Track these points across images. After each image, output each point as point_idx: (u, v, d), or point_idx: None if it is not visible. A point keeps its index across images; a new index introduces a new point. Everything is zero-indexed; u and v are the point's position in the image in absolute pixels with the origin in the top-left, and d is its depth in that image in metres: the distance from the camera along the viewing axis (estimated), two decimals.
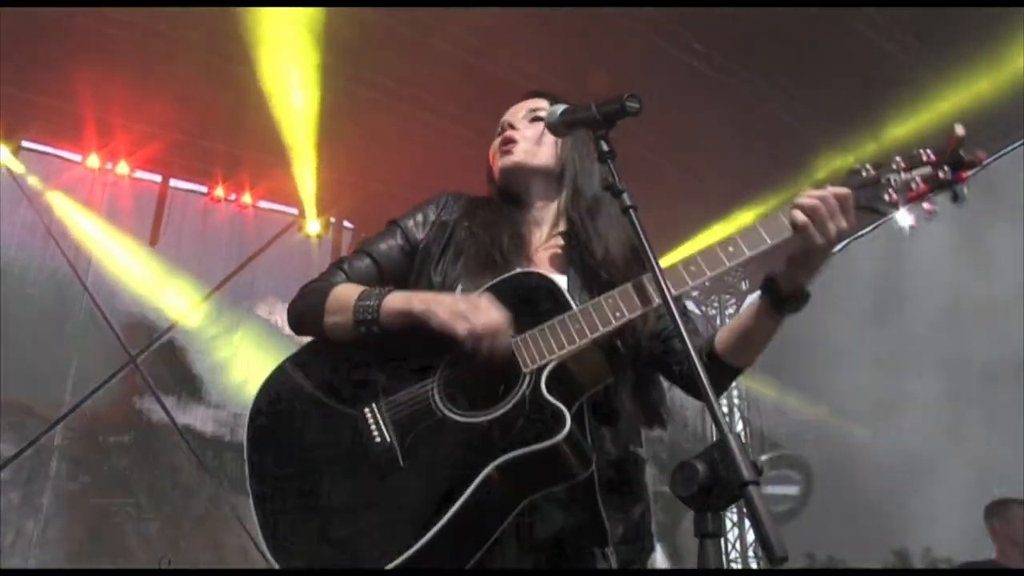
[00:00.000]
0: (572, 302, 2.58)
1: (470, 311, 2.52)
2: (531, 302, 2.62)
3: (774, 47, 8.79)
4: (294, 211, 11.15)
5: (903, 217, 2.43)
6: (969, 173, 2.39)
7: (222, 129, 9.68)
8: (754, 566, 12.28)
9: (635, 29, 8.43)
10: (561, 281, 2.75)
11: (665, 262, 2.34)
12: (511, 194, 3.06)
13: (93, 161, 9.90)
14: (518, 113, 3.11)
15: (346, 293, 2.76)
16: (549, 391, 2.48)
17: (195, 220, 10.63)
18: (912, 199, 2.43)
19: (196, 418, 10.09)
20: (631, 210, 2.33)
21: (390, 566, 2.38)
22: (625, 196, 2.35)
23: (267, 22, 8.21)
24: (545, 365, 2.52)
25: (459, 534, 2.41)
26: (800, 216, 2.43)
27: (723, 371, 2.80)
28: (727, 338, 2.77)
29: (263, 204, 11.04)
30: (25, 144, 9.70)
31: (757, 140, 9.94)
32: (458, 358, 2.61)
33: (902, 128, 9.24)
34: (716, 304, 13.53)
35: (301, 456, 2.70)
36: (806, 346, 9.87)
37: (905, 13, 8.30)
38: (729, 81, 9.22)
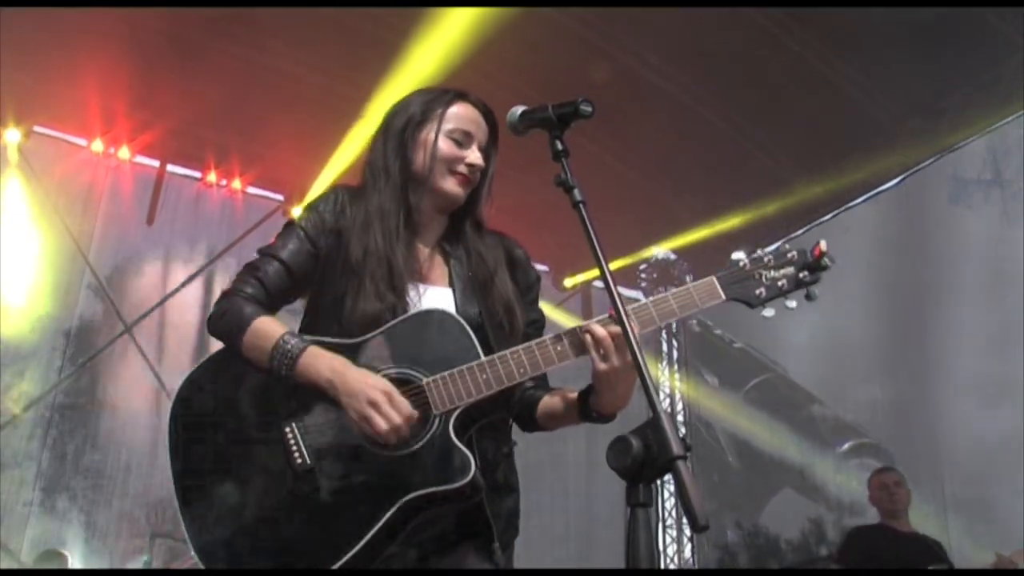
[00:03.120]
0: (480, 351, 2.60)
1: (373, 414, 2.47)
2: (440, 342, 2.62)
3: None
4: (280, 197, 11.10)
5: (767, 310, 2.60)
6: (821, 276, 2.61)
7: (215, 119, 9.64)
8: (686, 534, 12.31)
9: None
10: (447, 294, 2.79)
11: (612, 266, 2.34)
12: (423, 206, 2.93)
13: (97, 146, 9.87)
14: (479, 141, 2.94)
15: (264, 332, 2.64)
16: (456, 432, 2.53)
17: (189, 203, 10.58)
18: (776, 296, 2.59)
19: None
20: (581, 205, 2.34)
21: None
22: (576, 192, 2.35)
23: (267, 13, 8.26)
24: (454, 409, 2.55)
25: (369, 552, 2.47)
26: (588, 339, 2.56)
27: (532, 426, 2.88)
28: (544, 408, 2.82)
29: (251, 190, 10.98)
30: (37, 129, 9.67)
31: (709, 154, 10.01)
32: None
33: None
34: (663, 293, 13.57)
35: (221, 460, 2.63)
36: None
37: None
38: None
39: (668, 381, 12.80)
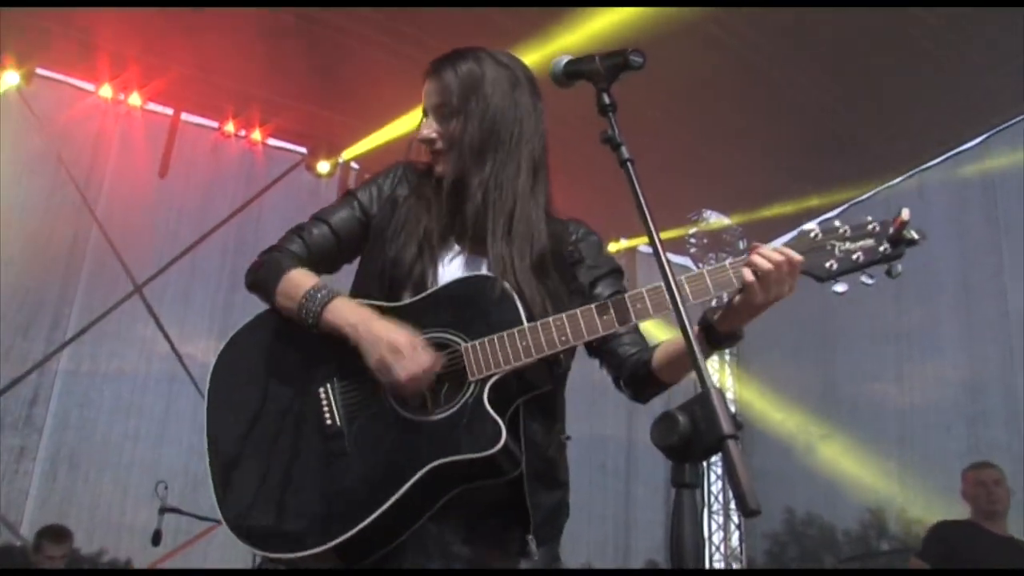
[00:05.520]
0: (523, 317, 2.62)
1: (394, 361, 2.53)
2: (483, 308, 2.66)
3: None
4: (303, 150, 11.15)
5: (838, 285, 2.53)
6: (905, 251, 2.51)
7: (234, 66, 9.57)
8: (734, 520, 12.36)
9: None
10: (484, 265, 2.80)
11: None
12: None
13: (106, 91, 9.87)
14: (428, 114, 2.95)
15: (297, 283, 2.76)
16: (490, 401, 2.56)
17: (205, 155, 10.60)
18: (850, 271, 2.52)
19: (198, 348, 10.18)
20: (628, 163, 2.33)
21: (321, 548, 2.52)
22: (623, 149, 2.35)
23: None
24: (490, 376, 2.58)
25: (391, 521, 2.53)
26: (749, 275, 2.50)
27: (652, 385, 2.86)
28: (662, 358, 2.81)
29: (272, 142, 11.02)
30: (39, 71, 9.64)
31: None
32: None
33: None
34: (713, 262, 13.49)
35: (255, 420, 2.75)
36: None
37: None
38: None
39: (718, 354, 12.79)
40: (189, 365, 9.99)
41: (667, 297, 2.27)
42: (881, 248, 2.50)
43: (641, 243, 12.40)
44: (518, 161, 2.84)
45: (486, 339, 2.61)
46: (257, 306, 2.92)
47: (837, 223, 2.55)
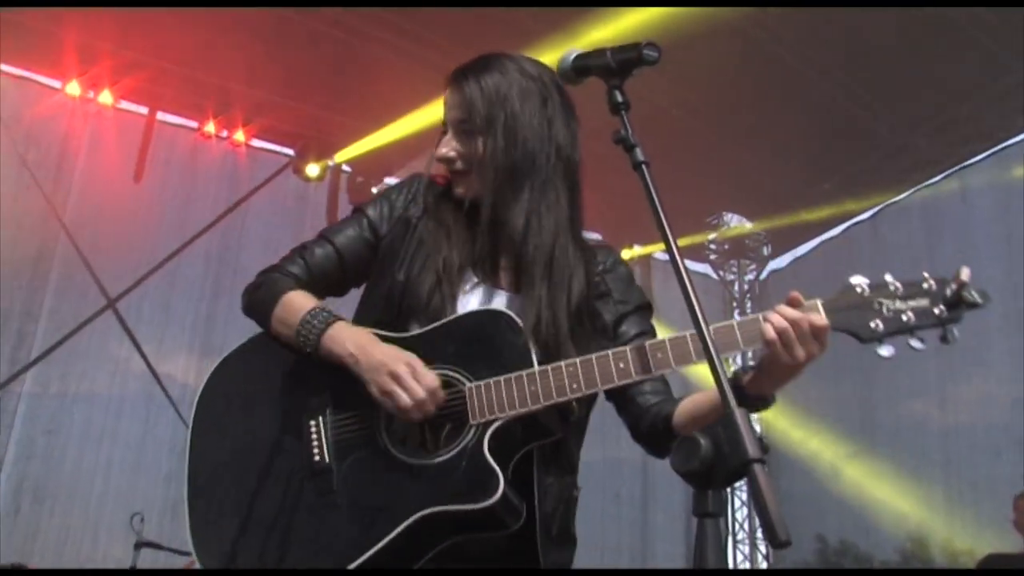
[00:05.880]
0: (534, 358, 2.60)
1: (395, 387, 2.53)
2: (492, 347, 2.65)
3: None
4: (290, 151, 11.18)
5: (882, 348, 2.44)
6: (964, 315, 2.41)
7: (214, 59, 9.56)
8: (761, 551, 12.36)
9: None
10: (507, 301, 2.79)
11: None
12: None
13: (73, 88, 9.84)
14: (448, 129, 2.89)
15: (294, 306, 2.76)
16: (490, 449, 2.54)
17: (183, 157, 10.64)
18: (898, 332, 2.43)
19: (177, 366, 10.17)
20: (643, 166, 2.33)
21: None
22: (638, 151, 2.35)
23: None
24: (492, 421, 2.56)
25: (376, 568, 2.53)
26: (770, 331, 2.44)
27: (665, 440, 2.78)
28: (686, 414, 2.76)
29: (257, 143, 11.04)
30: (1, 67, 9.62)
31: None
32: None
33: None
34: (735, 269, 13.51)
35: (240, 451, 2.76)
36: None
37: None
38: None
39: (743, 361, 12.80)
40: (168, 386, 10.00)
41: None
42: (936, 310, 2.41)
43: (657, 250, 12.40)
44: (556, 189, 2.82)
45: (491, 380, 2.59)
46: (243, 320, 2.93)
47: (888, 278, 2.47)
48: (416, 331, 2.72)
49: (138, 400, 10.03)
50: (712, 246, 13.23)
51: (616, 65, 2.47)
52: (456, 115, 2.85)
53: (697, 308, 2.17)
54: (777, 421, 12.24)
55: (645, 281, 12.55)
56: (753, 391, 2.57)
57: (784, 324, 2.42)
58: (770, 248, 13.49)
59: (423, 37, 8.91)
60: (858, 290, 2.47)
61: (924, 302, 2.43)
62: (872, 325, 2.43)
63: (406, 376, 2.53)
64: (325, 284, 2.92)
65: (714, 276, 13.48)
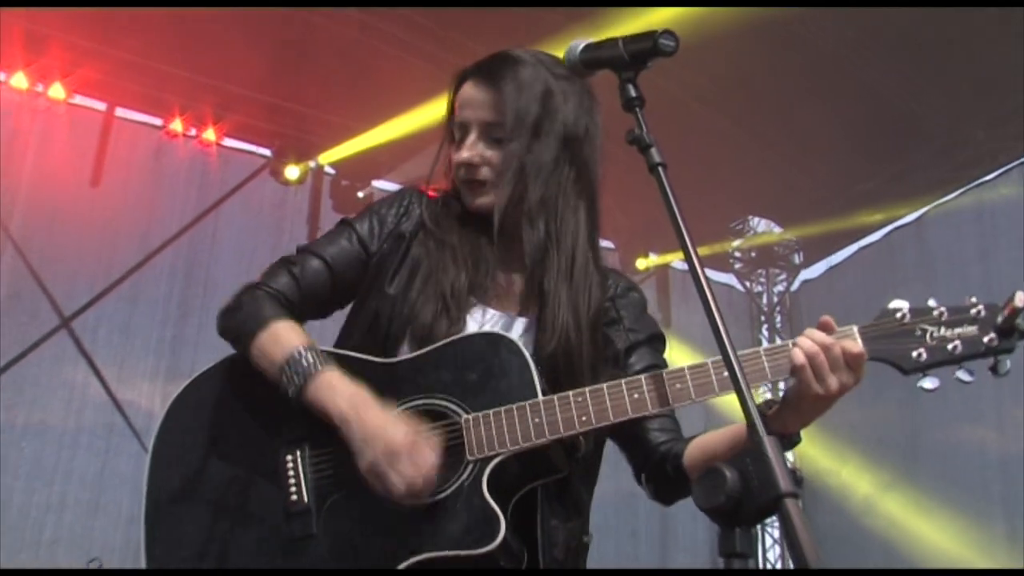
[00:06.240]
0: (538, 388, 2.60)
1: (389, 470, 2.51)
2: (494, 373, 2.65)
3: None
4: (266, 152, 11.17)
5: (926, 380, 2.46)
6: (1018, 344, 2.42)
7: (181, 50, 9.57)
8: None
9: None
10: (519, 326, 2.82)
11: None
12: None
13: (20, 80, 9.75)
14: (470, 131, 2.90)
15: (280, 340, 2.74)
16: (490, 487, 2.54)
17: (146, 158, 10.60)
18: (944, 363, 2.45)
19: (141, 393, 10.16)
20: (660, 168, 2.34)
21: None
22: (654, 152, 2.36)
23: None
24: (491, 457, 2.56)
25: None
26: (799, 357, 2.45)
27: (682, 486, 2.81)
28: (698, 454, 2.79)
29: (229, 143, 11.04)
30: None
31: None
32: None
33: None
34: (763, 279, 13.50)
35: (205, 489, 2.75)
36: None
37: None
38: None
39: (773, 394, 12.77)
40: (130, 415, 9.97)
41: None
42: (986, 339, 2.42)
43: (675, 259, 12.41)
44: (578, 200, 2.88)
45: (491, 412, 2.59)
46: (215, 340, 2.93)
47: (932, 303, 2.49)
48: (406, 355, 2.73)
49: (96, 432, 9.96)
50: (737, 254, 13.23)
51: (629, 56, 2.47)
52: (484, 116, 2.86)
53: (720, 325, 2.17)
54: (809, 449, 12.23)
55: (662, 293, 12.58)
56: (777, 427, 2.57)
57: (815, 349, 2.44)
58: (802, 256, 13.48)
59: (425, 27, 8.95)
60: (899, 315, 2.49)
61: (972, 330, 2.43)
62: (915, 355, 2.45)
63: (403, 451, 2.51)
64: (314, 303, 2.94)
65: (739, 287, 13.50)
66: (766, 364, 2.49)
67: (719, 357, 2.20)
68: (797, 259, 13.47)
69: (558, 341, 2.71)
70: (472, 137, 2.87)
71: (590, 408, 2.55)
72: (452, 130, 2.94)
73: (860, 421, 11.54)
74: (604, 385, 2.57)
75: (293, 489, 2.65)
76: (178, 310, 10.33)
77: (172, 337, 10.22)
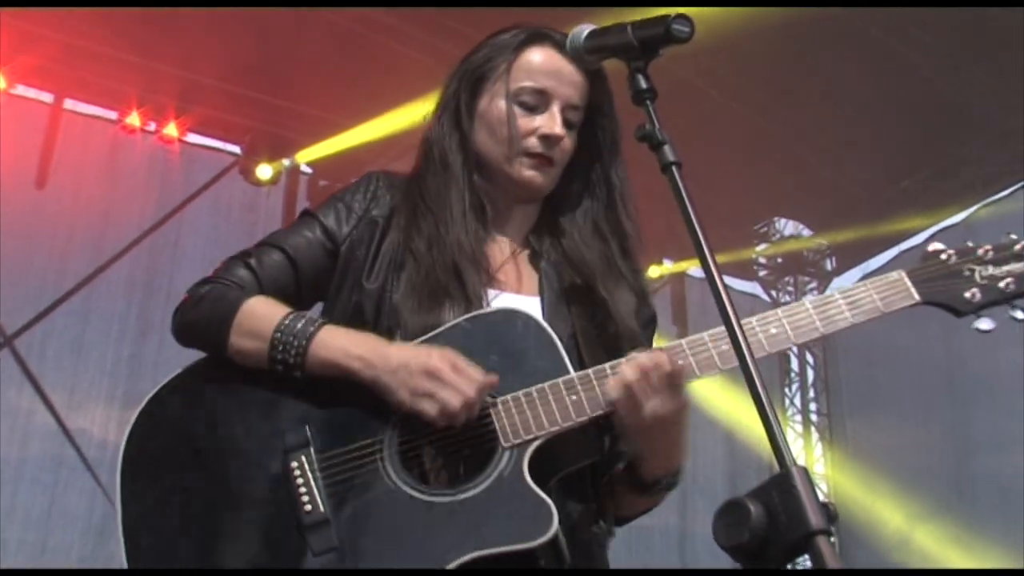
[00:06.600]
0: (569, 364, 2.64)
1: (436, 387, 2.53)
2: (516, 353, 2.67)
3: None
4: (236, 149, 11.19)
5: (981, 320, 2.54)
6: None
7: (139, 34, 9.52)
8: None
9: None
10: (534, 304, 2.84)
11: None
12: (497, 194, 3.04)
13: None
14: (552, 104, 2.92)
15: (263, 313, 2.74)
16: (532, 476, 2.55)
17: (100, 156, 10.59)
18: (998, 302, 2.54)
19: (94, 420, 10.14)
20: (673, 167, 2.35)
21: None
22: (667, 150, 2.37)
23: None
24: (529, 442, 2.58)
25: None
26: (613, 391, 2.56)
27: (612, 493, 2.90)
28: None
29: (194, 139, 11.05)
30: None
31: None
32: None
33: None
34: (791, 288, 13.49)
35: (197, 513, 2.70)
36: None
37: None
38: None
39: (802, 423, 12.79)
40: (81, 445, 9.95)
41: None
42: None
43: (692, 266, 12.42)
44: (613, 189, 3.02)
45: (521, 394, 2.61)
46: (177, 360, 2.89)
47: (971, 243, 2.57)
48: (410, 341, 2.71)
49: (43, 464, 9.95)
50: (762, 260, 13.23)
51: (639, 44, 2.48)
52: (571, 96, 2.92)
53: (742, 339, 2.17)
54: (843, 478, 12.24)
55: (678, 305, 12.60)
56: (645, 472, 2.75)
57: (630, 378, 2.55)
58: (834, 262, 13.49)
59: (423, 14, 8.95)
60: (943, 257, 2.58)
61: (1020, 266, 2.54)
62: (967, 295, 2.55)
63: (445, 368, 2.54)
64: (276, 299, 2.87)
65: (764, 297, 13.50)
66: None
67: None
68: (829, 265, 13.48)
69: (575, 324, 2.81)
70: (555, 109, 2.89)
71: None
72: (514, 89, 2.92)
73: (897, 448, 11.58)
74: (637, 354, 2.61)
75: (305, 498, 2.61)
76: (137, 326, 10.34)
77: (130, 356, 10.23)
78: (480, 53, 3.01)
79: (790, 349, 12.59)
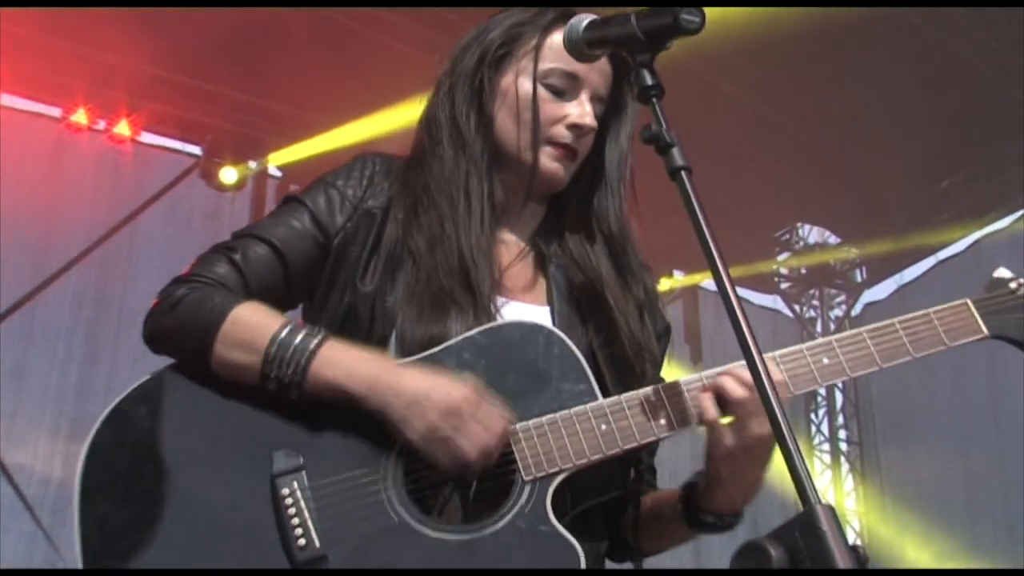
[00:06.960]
0: (597, 388, 2.62)
1: (453, 430, 2.49)
2: (538, 374, 2.64)
3: None
4: (196, 150, 11.17)
5: None
6: None
7: (85, 21, 9.50)
8: None
9: None
10: (543, 314, 2.83)
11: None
12: (507, 185, 3.01)
13: None
14: (582, 91, 2.92)
15: (256, 322, 2.67)
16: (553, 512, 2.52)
17: (42, 157, 10.61)
18: None
19: (36, 455, 10.14)
20: (683, 172, 2.35)
21: None
22: (676, 153, 2.37)
23: None
24: (554, 476, 2.56)
25: None
26: (710, 407, 2.56)
27: (632, 545, 2.89)
28: (648, 504, 2.88)
29: (149, 138, 11.04)
30: None
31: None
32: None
33: None
34: (816, 303, 13.48)
35: (172, 539, 2.62)
36: None
37: None
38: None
39: (830, 453, 12.81)
40: (20, 483, 9.90)
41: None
42: None
43: (704, 279, 12.43)
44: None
45: (545, 421, 2.58)
46: (132, 383, 2.76)
47: None
48: (412, 357, 2.68)
49: None
50: (784, 271, 13.22)
51: (644, 35, 2.47)
52: (600, 86, 2.95)
53: (759, 361, 2.16)
54: (876, 515, 12.26)
55: (690, 319, 12.61)
56: (705, 504, 2.70)
57: (741, 392, 2.53)
58: (865, 272, 13.47)
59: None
60: (1013, 286, 2.60)
61: None
62: None
63: (467, 407, 2.51)
64: (263, 300, 2.79)
65: (787, 312, 13.55)
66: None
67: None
68: (859, 277, 13.47)
69: (597, 338, 2.81)
70: (584, 97, 2.89)
71: (669, 410, 2.59)
72: (543, 69, 2.91)
73: (934, 484, 11.61)
74: (681, 380, 2.60)
75: (299, 531, 2.54)
76: (85, 347, 10.34)
77: (77, 382, 10.22)
78: (501, 25, 2.97)
79: None
